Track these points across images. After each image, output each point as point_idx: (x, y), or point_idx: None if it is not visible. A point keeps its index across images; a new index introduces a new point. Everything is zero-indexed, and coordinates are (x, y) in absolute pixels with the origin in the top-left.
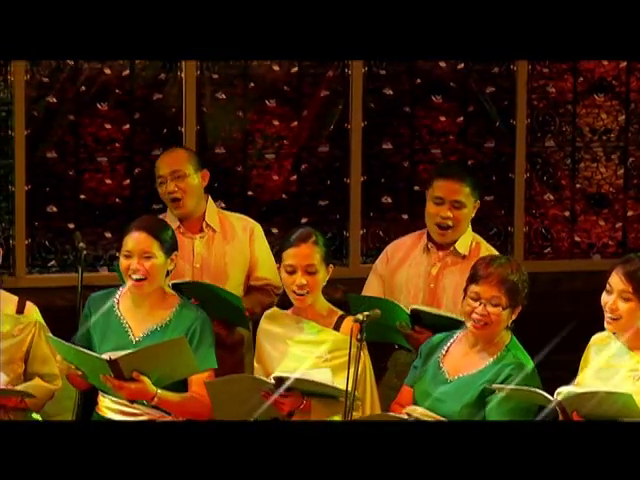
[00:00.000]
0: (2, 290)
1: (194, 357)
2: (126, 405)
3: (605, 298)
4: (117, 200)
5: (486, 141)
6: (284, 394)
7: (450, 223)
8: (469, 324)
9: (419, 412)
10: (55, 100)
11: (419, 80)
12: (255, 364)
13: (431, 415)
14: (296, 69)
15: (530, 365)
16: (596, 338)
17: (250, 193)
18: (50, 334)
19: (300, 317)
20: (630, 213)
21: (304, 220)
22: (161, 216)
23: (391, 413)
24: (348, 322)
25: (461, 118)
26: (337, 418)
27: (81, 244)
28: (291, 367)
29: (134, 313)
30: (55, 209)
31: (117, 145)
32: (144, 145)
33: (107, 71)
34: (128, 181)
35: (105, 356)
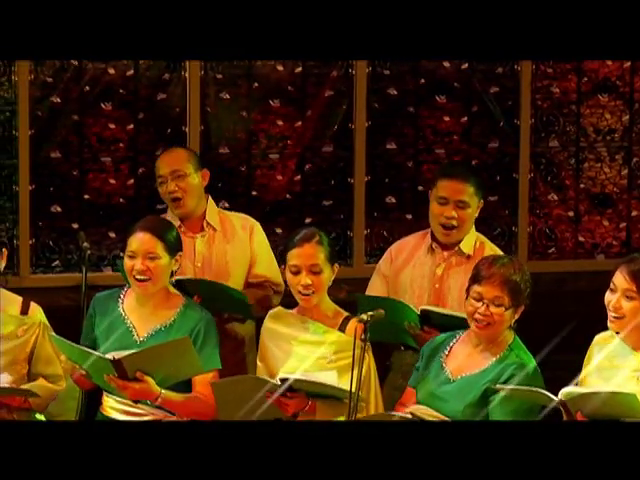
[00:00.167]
0: (6, 291)
1: (198, 357)
2: (130, 405)
3: (609, 297)
4: (121, 200)
5: (490, 141)
6: (289, 395)
7: (455, 223)
8: (472, 324)
9: (422, 411)
10: (59, 100)
11: (423, 80)
12: (258, 363)
13: (434, 414)
14: (300, 69)
15: (533, 365)
16: (599, 338)
17: (254, 193)
18: (54, 334)
19: (305, 317)
20: (634, 213)
21: (308, 220)
22: (161, 216)
23: (394, 412)
24: (354, 323)
25: (465, 118)
26: (341, 419)
27: (85, 244)
28: (295, 367)
29: (138, 313)
30: (59, 209)
31: (121, 145)
32: (148, 145)
33: (111, 71)
34: (132, 181)
35: (109, 356)
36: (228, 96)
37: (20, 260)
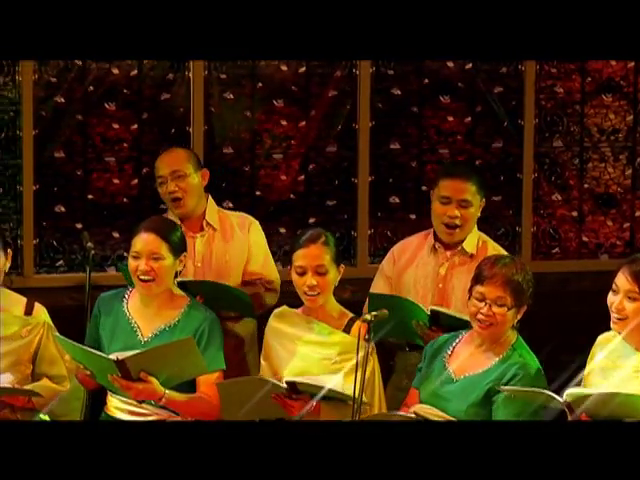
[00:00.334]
0: (10, 291)
1: (202, 358)
2: (135, 405)
3: (611, 298)
4: (125, 200)
5: (494, 141)
6: (294, 397)
7: (458, 222)
8: (474, 324)
9: (425, 410)
10: (63, 100)
11: (427, 80)
12: (262, 361)
13: (438, 414)
14: (304, 69)
15: (536, 365)
16: (602, 338)
17: (258, 193)
18: (58, 334)
19: (310, 317)
20: (638, 213)
21: (312, 220)
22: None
23: (398, 412)
24: (359, 325)
25: (469, 118)
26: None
27: (89, 244)
28: (299, 366)
29: (143, 313)
30: (63, 209)
31: (125, 145)
32: (152, 145)
33: (115, 71)
34: (136, 181)
35: (112, 356)
36: (232, 96)
37: (24, 260)
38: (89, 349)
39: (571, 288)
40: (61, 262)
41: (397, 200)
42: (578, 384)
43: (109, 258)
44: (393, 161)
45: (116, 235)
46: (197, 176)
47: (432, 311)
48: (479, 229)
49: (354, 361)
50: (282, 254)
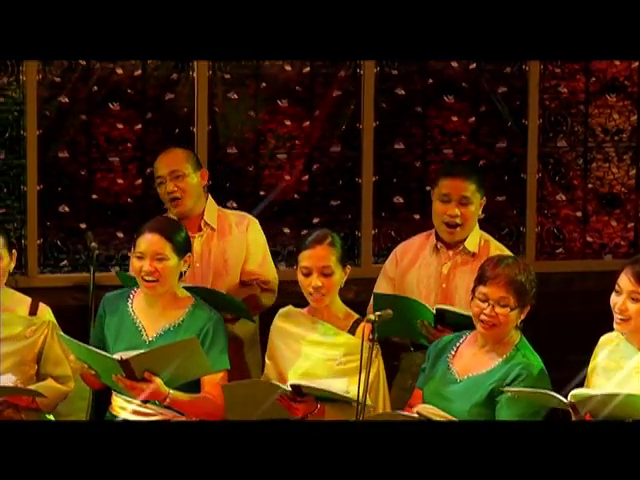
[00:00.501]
0: (15, 291)
1: (206, 358)
2: (139, 405)
3: (614, 299)
4: (129, 200)
5: (498, 141)
6: (299, 399)
7: (458, 221)
8: (478, 325)
9: (429, 410)
10: (67, 100)
11: (431, 80)
12: (267, 361)
13: (441, 414)
14: (308, 69)
15: (539, 365)
16: (605, 339)
17: (262, 193)
18: (62, 333)
19: (316, 318)
20: None
21: (316, 220)
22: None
23: (401, 412)
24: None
25: (473, 118)
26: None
27: (93, 244)
28: (303, 366)
29: (147, 313)
30: (67, 209)
31: (129, 145)
32: (156, 145)
33: (119, 71)
34: (140, 181)
35: (116, 356)
36: (236, 96)
37: (28, 260)
38: (94, 349)
39: (575, 288)
40: (65, 262)
41: (401, 200)
42: (581, 384)
43: (113, 258)
44: (397, 161)
45: (120, 235)
46: (196, 176)
47: (438, 310)
48: (483, 229)
49: (359, 362)
50: (286, 254)
